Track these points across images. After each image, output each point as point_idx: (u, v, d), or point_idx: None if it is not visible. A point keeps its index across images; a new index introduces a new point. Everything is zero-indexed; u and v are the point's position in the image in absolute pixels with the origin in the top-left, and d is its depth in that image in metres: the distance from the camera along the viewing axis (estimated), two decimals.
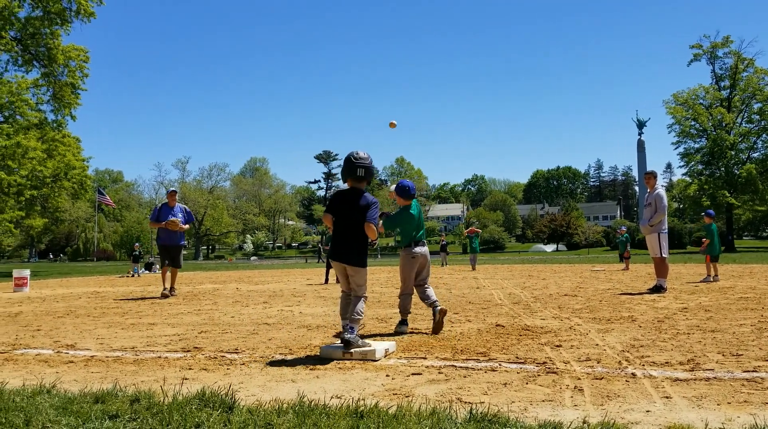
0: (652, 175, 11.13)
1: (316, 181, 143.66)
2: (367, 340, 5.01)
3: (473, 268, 23.68)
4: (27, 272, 15.01)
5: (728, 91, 62.07)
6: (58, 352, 5.35)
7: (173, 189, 12.81)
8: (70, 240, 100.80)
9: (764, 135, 61.07)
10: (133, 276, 23.94)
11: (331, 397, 3.45)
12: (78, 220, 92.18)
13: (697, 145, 63.00)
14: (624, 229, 24.74)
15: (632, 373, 3.96)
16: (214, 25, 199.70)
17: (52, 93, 31.53)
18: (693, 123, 61.74)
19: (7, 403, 3.31)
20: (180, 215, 12.13)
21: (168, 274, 12.15)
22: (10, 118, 33.28)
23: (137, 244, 27.87)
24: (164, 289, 11.83)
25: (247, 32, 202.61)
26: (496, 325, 6.44)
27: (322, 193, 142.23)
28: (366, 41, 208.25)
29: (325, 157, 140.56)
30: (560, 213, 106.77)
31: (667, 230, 10.90)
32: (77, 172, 37.24)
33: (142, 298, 11.55)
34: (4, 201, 32.60)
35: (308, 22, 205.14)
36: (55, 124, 33.11)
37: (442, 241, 32.32)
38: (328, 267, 15.04)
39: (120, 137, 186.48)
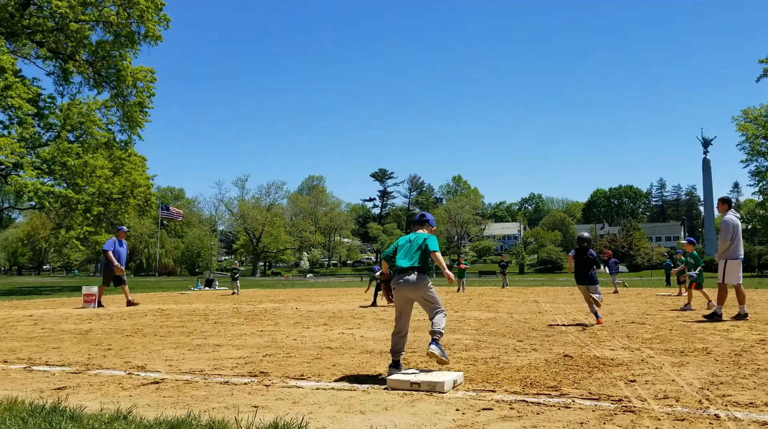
0: (722, 201, 10.80)
1: (371, 199, 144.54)
2: (434, 371, 4.94)
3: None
4: (95, 289, 15.48)
5: None
6: (129, 373, 5.46)
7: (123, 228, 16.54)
8: (133, 255, 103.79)
9: None
10: (233, 293, 24.07)
11: None
12: (142, 235, 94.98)
13: None
14: (680, 252, 24.01)
15: (716, 415, 3.78)
16: (272, 42, 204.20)
17: (121, 113, 32.74)
18: (763, 141, 59.55)
19: (85, 428, 3.37)
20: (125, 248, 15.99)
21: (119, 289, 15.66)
22: (80, 137, 34.63)
23: (236, 262, 28.13)
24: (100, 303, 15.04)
25: (304, 50, 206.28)
26: (564, 356, 6.28)
27: (377, 211, 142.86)
28: (424, 57, 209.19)
29: (380, 175, 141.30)
30: (621, 233, 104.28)
31: (739, 257, 10.50)
32: (142, 190, 38.40)
33: (205, 316, 11.76)
34: (72, 218, 33.79)
35: (363, 39, 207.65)
36: (122, 144, 34.29)
37: (502, 260, 31.19)
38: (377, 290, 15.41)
39: (182, 155, 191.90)
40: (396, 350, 5.31)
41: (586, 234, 11.41)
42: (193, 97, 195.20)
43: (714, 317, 10.15)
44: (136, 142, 34.56)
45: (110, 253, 15.42)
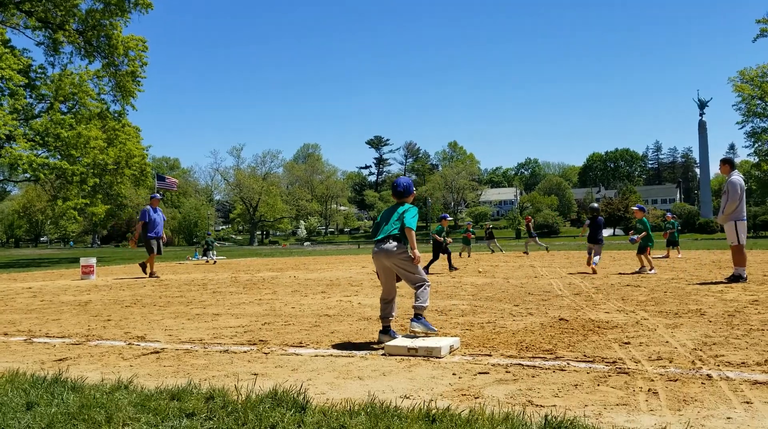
0: (725, 162, 10.78)
1: (367, 167, 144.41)
2: (431, 337, 5.01)
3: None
4: (93, 260, 15.54)
5: None
6: (129, 343, 5.52)
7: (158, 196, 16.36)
8: (130, 226, 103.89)
9: None
10: (207, 261, 25.08)
11: (401, 398, 3.45)
12: (138, 206, 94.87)
13: (764, 124, 60.57)
14: (670, 215, 24.19)
15: (708, 375, 3.84)
16: (268, 12, 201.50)
17: (114, 83, 32.45)
18: (759, 102, 59.35)
19: (88, 399, 3.42)
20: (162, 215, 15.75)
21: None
22: (73, 108, 34.36)
23: (209, 233, 28.57)
24: (153, 272, 15.12)
25: (297, 18, 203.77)
26: (560, 319, 6.35)
27: (373, 178, 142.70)
28: (417, 24, 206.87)
29: (376, 143, 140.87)
30: (617, 197, 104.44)
31: (745, 218, 10.55)
32: (137, 160, 38.26)
33: (203, 286, 11.82)
34: (68, 189, 33.70)
35: (359, 5, 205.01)
36: (116, 114, 34.08)
37: (488, 227, 31.28)
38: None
39: (176, 125, 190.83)
40: (384, 316, 5.34)
41: (595, 205, 15.09)
42: (187, 67, 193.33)
43: (739, 279, 10.14)
44: (129, 112, 34.36)
45: (140, 224, 15.22)
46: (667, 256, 19.93)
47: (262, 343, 5.40)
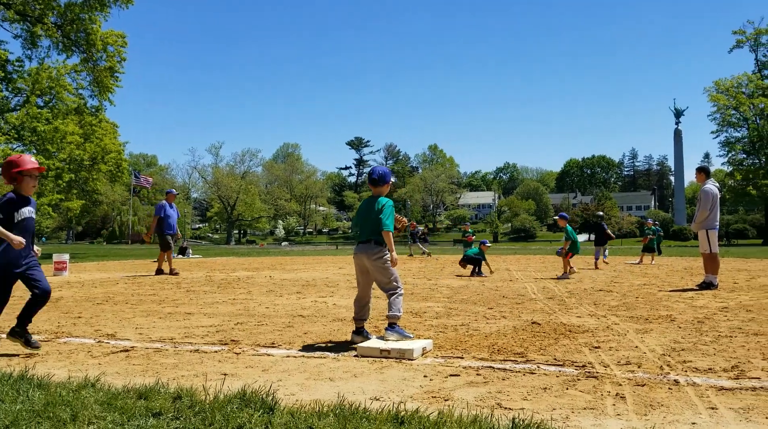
0: (701, 171, 10.94)
1: (347, 168, 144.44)
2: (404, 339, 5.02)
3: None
4: (66, 256, 15.32)
5: None
6: (99, 341, 5.45)
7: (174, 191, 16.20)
8: (105, 223, 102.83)
9: None
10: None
11: (371, 399, 3.45)
12: (114, 203, 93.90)
13: (738, 134, 61.69)
14: (651, 221, 24.47)
15: (675, 380, 3.89)
16: (249, 9, 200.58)
17: (91, 78, 32.07)
18: (734, 112, 60.38)
19: (54, 396, 3.37)
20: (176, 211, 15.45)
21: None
22: (50, 103, 33.90)
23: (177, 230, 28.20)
24: (173, 269, 14.81)
25: (280, 17, 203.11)
26: (532, 323, 6.39)
27: (353, 179, 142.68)
28: (399, 26, 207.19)
29: (356, 144, 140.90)
30: (593, 202, 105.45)
31: (717, 226, 10.69)
32: (114, 156, 37.85)
33: (177, 284, 11.72)
34: (43, 184, 33.24)
35: (339, 6, 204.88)
36: (93, 109, 33.69)
37: (465, 231, 30.40)
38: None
39: (155, 122, 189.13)
40: (359, 317, 5.36)
41: (600, 213, 19.69)
42: (167, 63, 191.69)
43: (710, 287, 10.25)
44: (107, 107, 33.94)
45: (155, 219, 14.87)
46: (640, 262, 20.12)
47: (234, 343, 5.36)
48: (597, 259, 17.97)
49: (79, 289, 10.83)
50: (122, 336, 5.76)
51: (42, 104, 33.42)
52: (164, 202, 15.13)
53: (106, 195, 75.61)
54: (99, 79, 31.74)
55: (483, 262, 14.34)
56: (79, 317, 7.12)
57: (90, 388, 3.60)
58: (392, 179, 5.65)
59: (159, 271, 14.81)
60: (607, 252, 17.82)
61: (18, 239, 4.71)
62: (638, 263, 19.79)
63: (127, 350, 5.03)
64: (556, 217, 14.62)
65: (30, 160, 5.01)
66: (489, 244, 15.34)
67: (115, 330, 6.12)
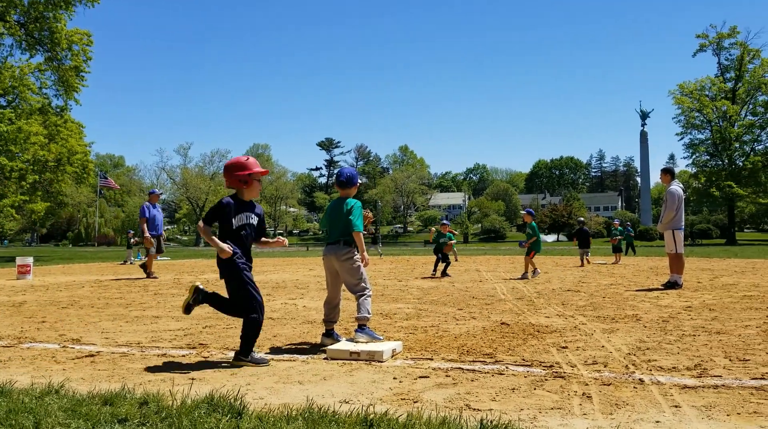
0: (666, 172, 11.13)
1: (317, 169, 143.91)
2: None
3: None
4: (30, 260, 15.01)
5: (733, 82, 61.83)
6: (64, 346, 5.35)
7: (157, 191, 15.85)
8: (71, 225, 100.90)
9: None
10: (125, 263, 23.99)
11: (340, 402, 3.44)
12: (80, 204, 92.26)
13: (702, 136, 62.95)
14: (617, 222, 24.87)
15: (640, 379, 3.95)
16: (217, 8, 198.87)
17: (56, 77, 31.50)
18: (697, 114, 61.60)
19: (16, 404, 3.30)
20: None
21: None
22: (13, 102, 33.23)
23: (130, 231, 27.77)
24: (151, 272, 14.59)
25: (249, 16, 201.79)
26: (502, 324, 6.44)
27: (323, 180, 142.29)
28: (369, 27, 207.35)
29: (327, 145, 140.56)
30: (562, 203, 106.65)
31: (683, 226, 10.89)
32: (79, 157, 37.23)
33: (144, 287, 11.56)
34: (6, 186, 32.57)
35: (309, 7, 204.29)
36: (58, 109, 33.09)
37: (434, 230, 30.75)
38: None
39: (122, 122, 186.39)
40: (328, 319, 5.36)
41: (582, 219, 22.68)
42: (134, 62, 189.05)
43: (675, 286, 10.42)
44: (72, 107, 33.36)
45: (143, 220, 14.43)
46: (616, 262, 20.36)
47: (202, 346, 5.31)
48: (582, 259, 19.33)
49: (43, 293, 10.63)
50: (88, 340, 5.66)
51: (5, 104, 32.77)
52: (147, 203, 14.79)
53: (71, 197, 74.21)
54: (64, 79, 31.20)
55: (449, 259, 14.50)
56: (43, 322, 6.99)
57: (54, 394, 3.54)
58: (359, 181, 5.65)
59: (149, 274, 14.53)
60: (588, 253, 19.40)
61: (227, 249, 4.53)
62: (614, 263, 20.03)
63: (92, 355, 4.95)
64: (523, 213, 14.90)
65: (256, 163, 4.82)
66: (453, 241, 15.47)
67: (80, 334, 6.02)
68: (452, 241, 15.18)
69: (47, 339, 5.77)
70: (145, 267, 14.68)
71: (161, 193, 19.91)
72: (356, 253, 5.26)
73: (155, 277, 14.40)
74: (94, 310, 8.04)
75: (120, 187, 75.98)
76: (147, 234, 14.37)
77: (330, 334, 5.30)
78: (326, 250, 5.32)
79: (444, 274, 14.22)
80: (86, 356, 4.91)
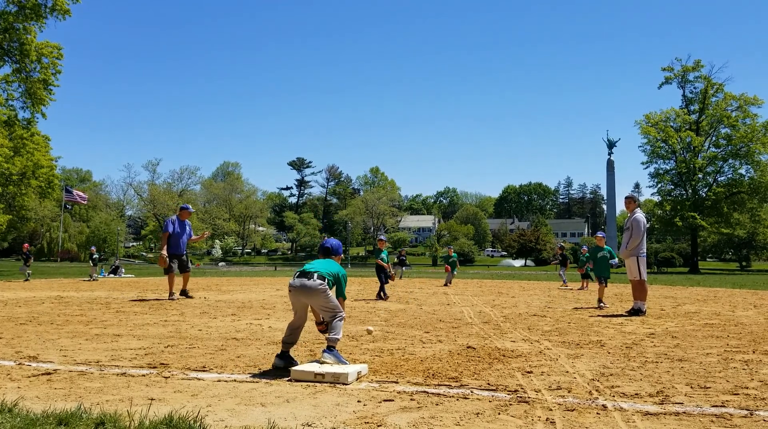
0: (631, 199, 11.29)
1: (288, 188, 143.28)
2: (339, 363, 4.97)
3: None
4: None
5: (697, 114, 63.45)
6: (20, 363, 5.21)
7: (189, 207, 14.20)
8: (34, 239, 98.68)
9: (730, 160, 62.38)
10: (91, 279, 23.55)
11: (302, 425, 3.40)
12: (43, 219, 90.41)
13: (667, 166, 64.31)
14: (585, 248, 25.18)
15: (603, 405, 3.97)
16: (188, 24, 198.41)
17: (23, 89, 31.02)
18: (663, 144, 62.99)
19: None
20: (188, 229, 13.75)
21: (178, 279, 13.46)
22: None
23: (93, 247, 27.31)
24: (172, 293, 13.13)
25: (220, 34, 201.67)
26: (468, 347, 6.43)
27: (294, 199, 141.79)
28: (342, 48, 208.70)
29: (298, 164, 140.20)
30: (530, 228, 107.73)
31: (645, 253, 11.05)
32: (45, 171, 36.63)
33: (106, 305, 11.33)
34: None
35: (282, 26, 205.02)
36: (24, 122, 32.55)
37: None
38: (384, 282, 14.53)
39: (89, 136, 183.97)
40: (287, 341, 5.22)
41: (562, 244, 25.36)
42: (103, 77, 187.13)
43: (639, 313, 10.50)
44: (39, 120, 32.83)
45: (165, 236, 13.22)
46: (582, 288, 20.47)
47: (163, 366, 5.20)
48: (564, 279, 23.17)
49: (1, 309, 10.35)
50: (45, 358, 5.51)
51: None
52: (174, 217, 13.55)
53: (35, 211, 72.82)
54: (32, 91, 30.75)
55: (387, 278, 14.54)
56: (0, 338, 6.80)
57: (6, 413, 3.43)
58: (343, 256, 5.65)
59: (171, 295, 13.14)
60: (564, 274, 23.32)
61: None
62: (581, 289, 20.14)
63: (49, 373, 4.82)
64: (447, 247, 16.30)
65: None
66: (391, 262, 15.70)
67: (37, 351, 5.86)
68: (391, 263, 15.29)
69: (2, 356, 5.61)
70: (185, 293, 13.55)
71: (193, 211, 15.86)
72: (328, 286, 5.19)
73: (175, 299, 13.01)
74: (54, 327, 7.85)
75: (88, 201, 74.65)
76: (164, 252, 13.10)
77: (284, 356, 5.12)
78: (297, 283, 5.10)
79: (379, 296, 14.21)
80: (43, 374, 4.78)
